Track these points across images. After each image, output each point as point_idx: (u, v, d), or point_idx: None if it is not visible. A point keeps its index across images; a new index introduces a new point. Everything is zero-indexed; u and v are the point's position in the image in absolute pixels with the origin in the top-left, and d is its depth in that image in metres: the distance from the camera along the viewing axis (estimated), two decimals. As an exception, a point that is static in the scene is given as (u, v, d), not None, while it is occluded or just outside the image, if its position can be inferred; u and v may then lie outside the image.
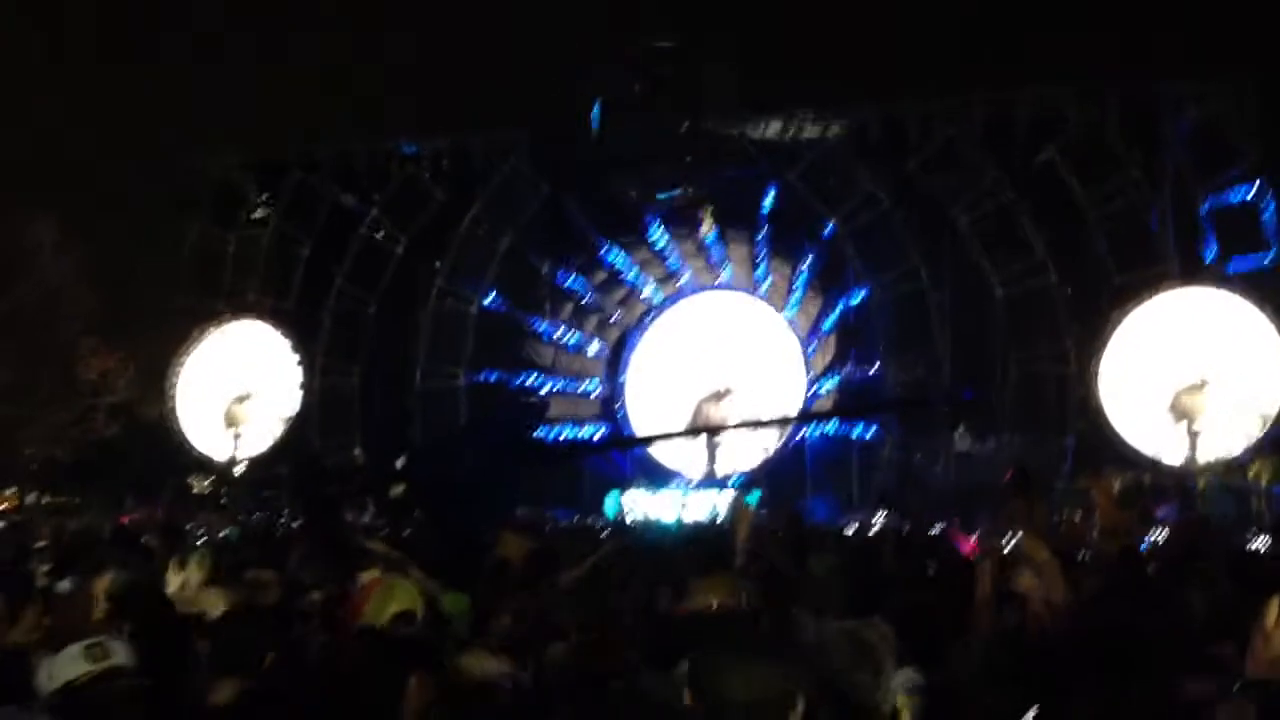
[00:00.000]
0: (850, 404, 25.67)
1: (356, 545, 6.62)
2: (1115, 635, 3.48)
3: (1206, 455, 22.81)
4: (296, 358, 27.97)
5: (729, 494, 25.10)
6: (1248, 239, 23.11)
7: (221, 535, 14.84)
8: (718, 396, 27.22)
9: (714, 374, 27.33)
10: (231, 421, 28.58)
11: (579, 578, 6.16)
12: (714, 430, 26.41)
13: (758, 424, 25.77)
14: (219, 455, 28.43)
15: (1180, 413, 23.18)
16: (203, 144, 29.83)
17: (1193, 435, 22.99)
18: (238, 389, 28.50)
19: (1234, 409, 22.82)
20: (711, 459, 26.84)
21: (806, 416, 25.02)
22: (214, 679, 3.59)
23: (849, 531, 17.32)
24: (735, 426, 26.34)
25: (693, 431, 26.95)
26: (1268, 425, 22.53)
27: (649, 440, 27.62)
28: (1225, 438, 22.77)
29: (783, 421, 24.97)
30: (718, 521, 21.84)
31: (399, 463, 22.36)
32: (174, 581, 5.95)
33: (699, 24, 26.73)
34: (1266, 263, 23.01)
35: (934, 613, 4.44)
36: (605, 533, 16.03)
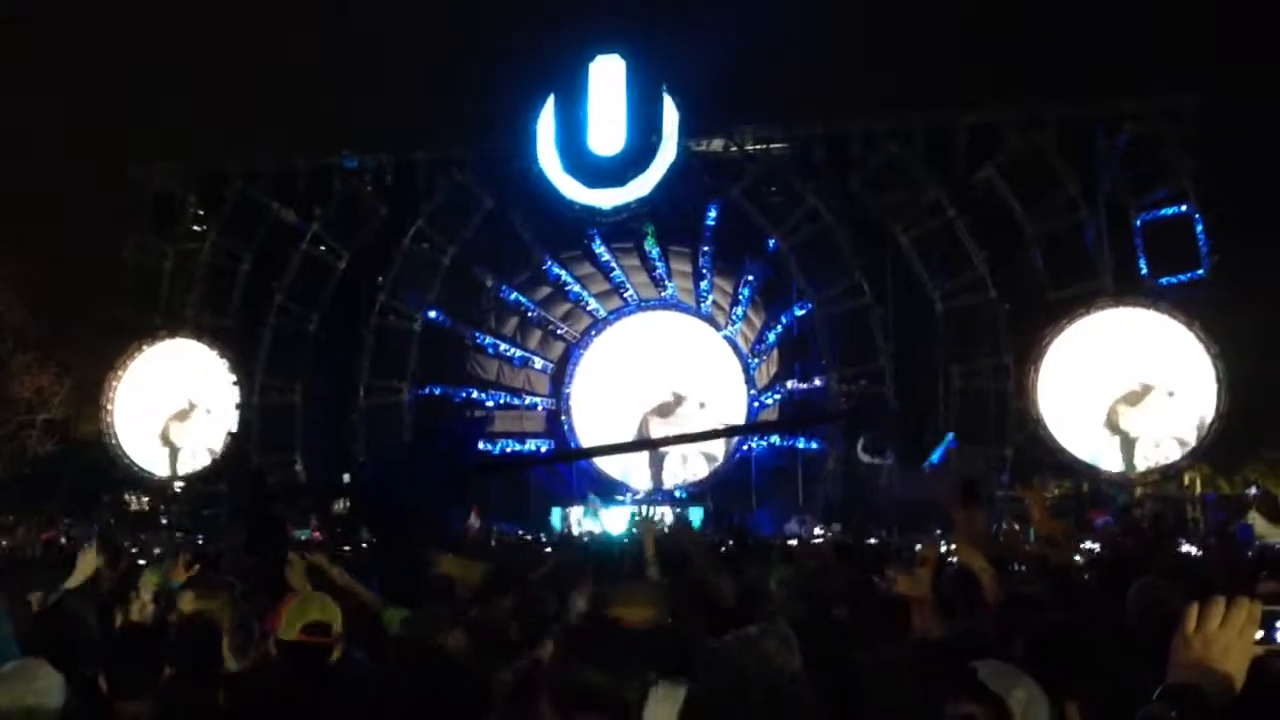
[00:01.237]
0: (776, 420, 25.75)
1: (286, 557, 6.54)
2: (1045, 641, 3.54)
3: (1142, 464, 23.32)
4: (234, 376, 27.54)
5: (672, 508, 25.18)
6: (1180, 256, 23.65)
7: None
8: (663, 410, 27.26)
9: (658, 389, 27.40)
10: (168, 439, 28.14)
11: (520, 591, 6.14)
12: (654, 444, 26.41)
13: (689, 438, 25.79)
14: (158, 472, 27.97)
15: (1116, 422, 23.65)
16: (140, 155, 29.27)
17: (1129, 443, 23.47)
18: (176, 406, 28.04)
19: (1167, 420, 23.34)
20: (657, 472, 26.90)
21: (733, 430, 25.06)
22: (114, 699, 3.51)
23: (792, 542, 17.39)
24: (668, 441, 26.31)
25: (634, 446, 26.96)
26: (1200, 436, 23.02)
27: (593, 453, 27.59)
28: (1159, 448, 23.28)
29: (712, 435, 25.00)
30: (665, 533, 21.85)
31: (344, 478, 22.22)
32: (134, 607, 5.89)
33: (644, 40, 26.77)
34: (1197, 278, 23.56)
35: (873, 620, 4.49)
36: (549, 547, 16.03)
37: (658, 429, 26.84)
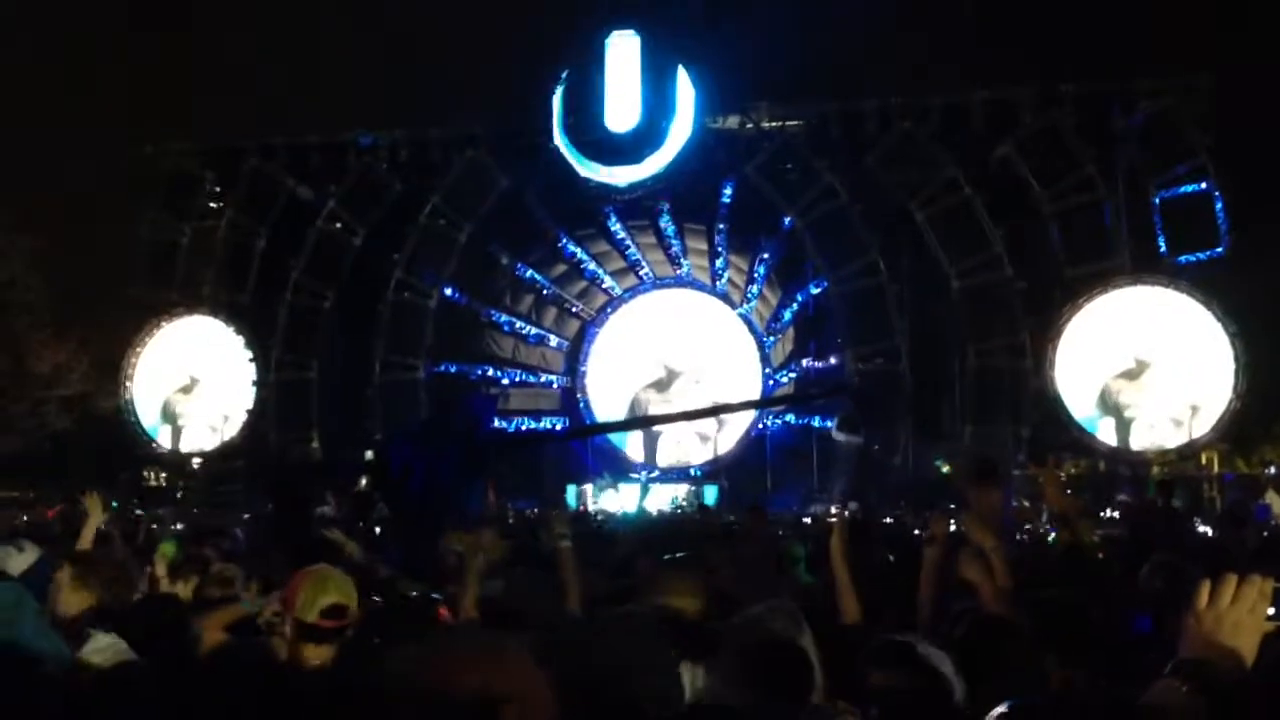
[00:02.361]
0: (762, 398, 25.62)
1: (318, 538, 6.62)
2: (1059, 619, 3.56)
3: (1157, 443, 23.24)
4: (251, 353, 27.65)
5: (688, 487, 25.26)
6: (1199, 233, 23.52)
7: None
8: (658, 386, 27.31)
9: (674, 366, 27.42)
10: (170, 413, 28.23)
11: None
12: (659, 420, 26.37)
13: (692, 414, 25.75)
14: (175, 449, 28.14)
15: (1114, 400, 23.59)
16: (157, 133, 29.34)
17: (1124, 423, 23.43)
18: (181, 380, 28.13)
19: (1164, 399, 23.27)
20: (651, 450, 26.94)
21: (725, 408, 24.95)
22: None
23: (807, 520, 17.45)
24: (672, 418, 26.25)
25: (642, 422, 26.98)
26: (1218, 415, 22.94)
27: (601, 429, 27.61)
28: (1154, 429, 23.23)
29: (709, 412, 24.92)
30: (679, 512, 21.99)
31: (366, 455, 22.29)
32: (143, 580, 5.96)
33: (660, 17, 26.64)
34: (1216, 256, 23.43)
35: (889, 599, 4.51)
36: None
37: (656, 406, 26.88)
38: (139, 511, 18.11)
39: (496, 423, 26.72)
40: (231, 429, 27.66)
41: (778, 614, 3.23)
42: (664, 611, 3.45)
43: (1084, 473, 23.93)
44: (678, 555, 5.60)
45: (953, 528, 4.83)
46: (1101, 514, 17.47)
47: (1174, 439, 23.30)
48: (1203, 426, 23.04)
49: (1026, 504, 18.68)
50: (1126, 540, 8.27)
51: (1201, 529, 11.04)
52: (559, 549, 4.99)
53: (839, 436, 23.70)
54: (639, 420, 27.29)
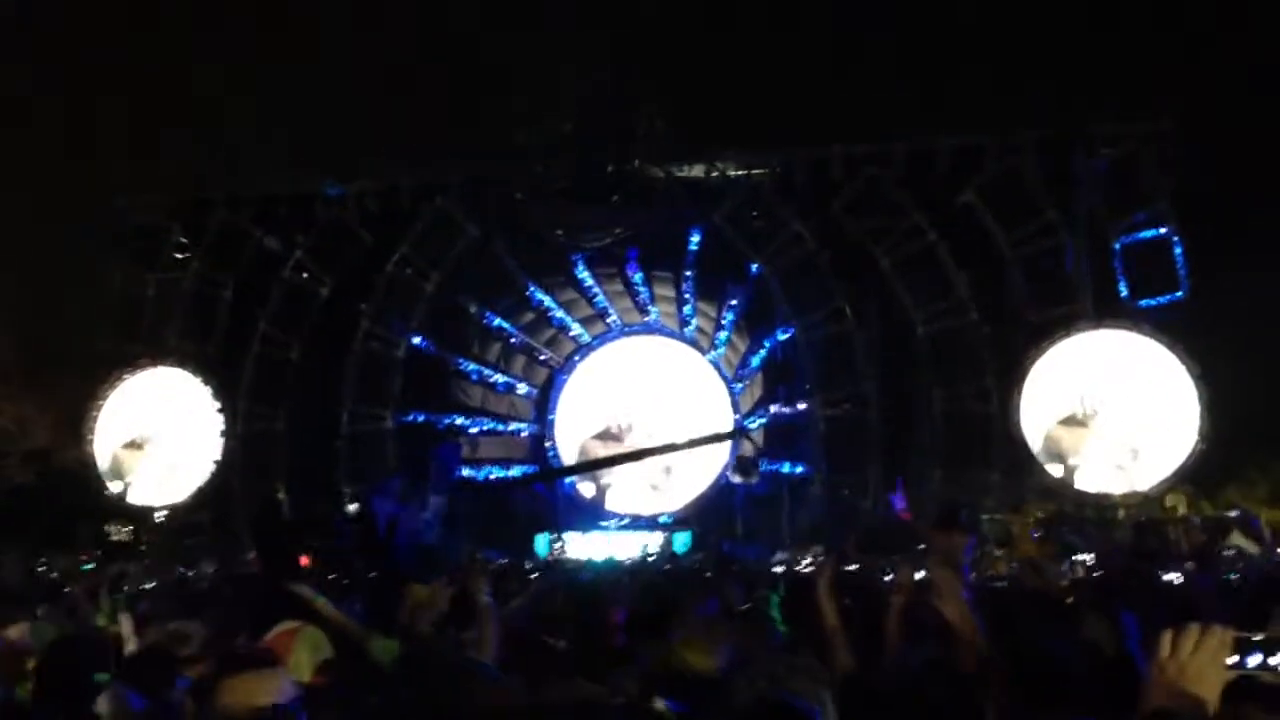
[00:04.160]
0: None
1: (289, 593, 6.54)
2: (1024, 665, 3.57)
3: (1105, 487, 23.38)
4: (218, 404, 27.43)
5: (659, 534, 25.20)
6: (1160, 278, 23.86)
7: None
8: (606, 436, 27.25)
9: (642, 413, 27.40)
10: (129, 467, 27.84)
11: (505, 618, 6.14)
12: (608, 463, 26.23)
13: (621, 459, 25.74)
14: (139, 502, 27.77)
15: (1054, 448, 23.73)
16: (122, 185, 29.24)
17: (1069, 470, 23.56)
18: (143, 433, 27.78)
19: (1150, 442, 23.43)
20: (600, 498, 26.87)
21: (643, 453, 24.92)
22: None
23: (777, 569, 17.43)
24: (617, 460, 26.13)
25: (591, 465, 26.91)
26: (1183, 457, 23.13)
27: (557, 474, 27.47)
28: (1142, 471, 23.35)
29: (636, 456, 24.95)
30: (649, 560, 21.91)
31: (352, 509, 22.10)
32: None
33: (628, 65, 26.94)
34: (1176, 300, 23.76)
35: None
36: (535, 573, 16.02)
37: (599, 454, 26.79)
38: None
39: (465, 471, 26.63)
40: (197, 481, 27.33)
41: (798, 674, 3.20)
42: (676, 667, 3.44)
43: (1051, 518, 24.02)
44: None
45: (918, 575, 4.84)
46: (1071, 558, 17.52)
47: (1136, 482, 23.44)
48: (1167, 469, 23.21)
49: (998, 552, 18.75)
50: (1093, 585, 8.32)
51: (1168, 576, 11.09)
52: (478, 604, 4.98)
53: (735, 479, 23.87)
54: (589, 464, 27.19)
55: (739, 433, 22.47)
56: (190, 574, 19.95)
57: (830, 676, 4.28)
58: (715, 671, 3.59)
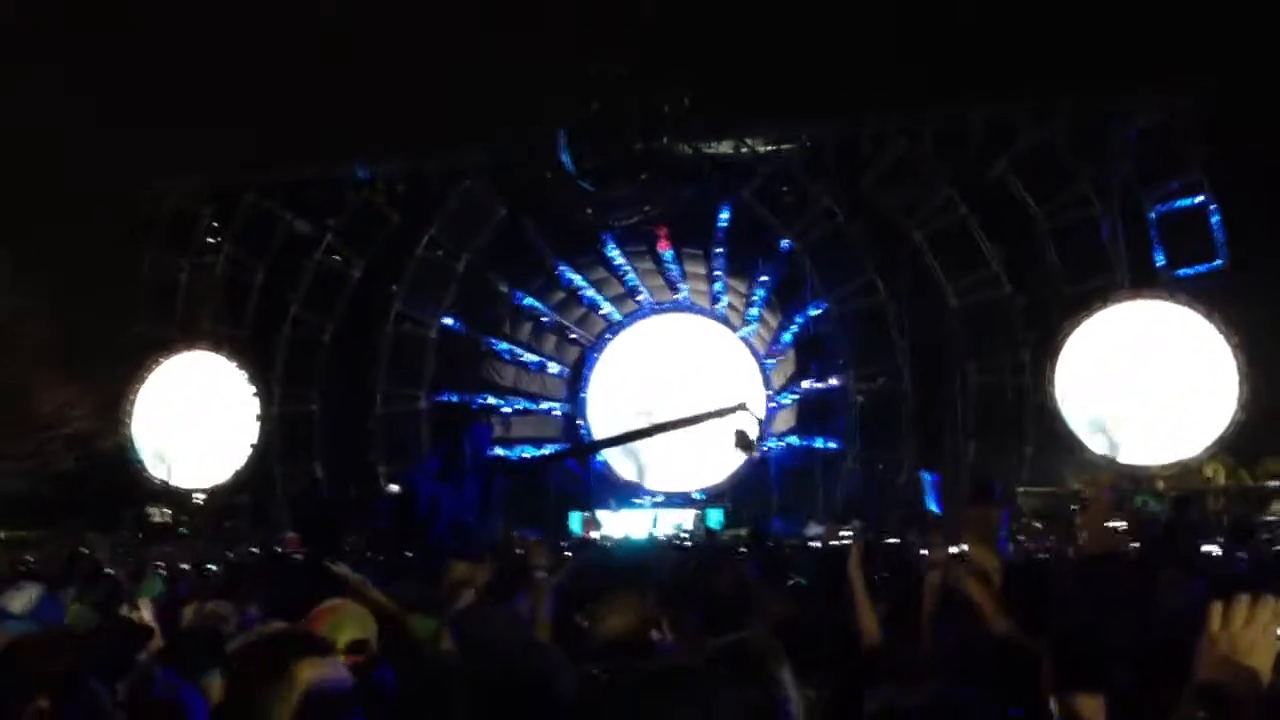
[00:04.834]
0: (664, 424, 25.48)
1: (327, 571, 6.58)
2: (1072, 638, 3.53)
3: (1151, 458, 23.15)
4: (253, 387, 27.66)
5: (691, 511, 25.23)
6: (1196, 247, 23.55)
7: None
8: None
9: (674, 390, 27.36)
10: (169, 449, 28.09)
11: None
12: (616, 441, 26.34)
13: (613, 441, 25.90)
14: (178, 485, 28.07)
15: (1104, 417, 23.48)
16: (155, 172, 29.45)
17: (1106, 442, 23.34)
18: (182, 416, 28.01)
19: (1188, 413, 23.18)
20: (641, 476, 26.99)
21: (632, 435, 25.04)
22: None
23: (814, 544, 17.39)
24: (616, 441, 26.20)
25: (599, 445, 27.05)
26: (1221, 428, 22.88)
27: (590, 449, 27.53)
28: (1181, 441, 23.11)
29: (631, 437, 25.07)
30: (683, 538, 21.94)
31: (393, 489, 22.28)
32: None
33: (654, 41, 26.79)
34: (1214, 269, 23.46)
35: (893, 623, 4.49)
36: (568, 550, 16.05)
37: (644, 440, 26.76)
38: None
39: (498, 450, 26.76)
40: (234, 463, 27.59)
41: (753, 641, 3.16)
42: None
43: (1089, 489, 23.83)
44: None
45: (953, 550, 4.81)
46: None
47: (1174, 453, 23.22)
48: (1205, 440, 22.96)
49: (1038, 524, 18.64)
50: (1136, 558, 8.24)
51: (1206, 547, 10.98)
52: (534, 579, 4.98)
53: (737, 453, 23.87)
54: (599, 442, 27.31)
55: (741, 408, 22.46)
56: (229, 555, 20.14)
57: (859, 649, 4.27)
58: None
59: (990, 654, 3.63)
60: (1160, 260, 23.82)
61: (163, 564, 15.50)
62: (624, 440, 25.85)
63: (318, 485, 26.34)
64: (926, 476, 22.64)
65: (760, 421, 21.52)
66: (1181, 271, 23.70)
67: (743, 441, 22.81)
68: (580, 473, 27.39)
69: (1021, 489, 21.80)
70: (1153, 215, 23.80)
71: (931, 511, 19.46)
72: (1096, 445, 23.60)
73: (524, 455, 27.88)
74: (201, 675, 4.24)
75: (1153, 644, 4.05)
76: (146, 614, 6.12)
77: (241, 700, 2.74)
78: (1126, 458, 23.48)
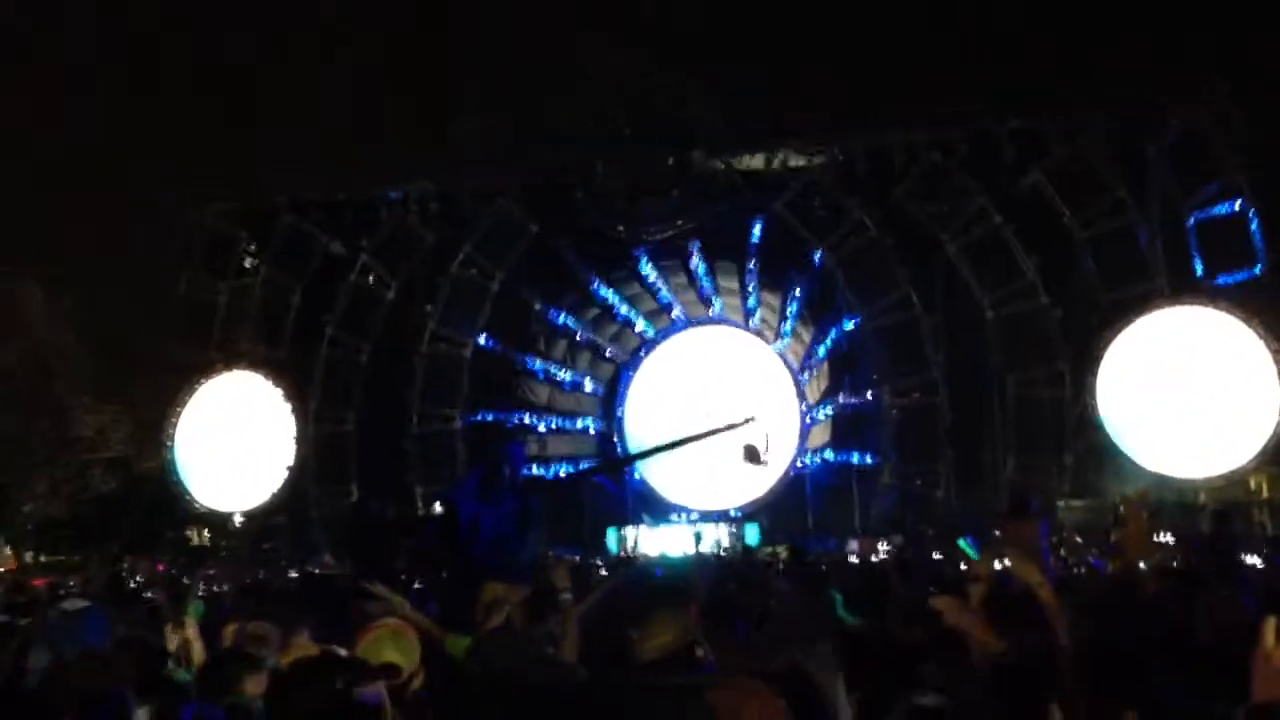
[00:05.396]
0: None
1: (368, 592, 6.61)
2: (1109, 652, 3.48)
3: (1200, 469, 22.78)
4: (290, 406, 27.79)
5: (728, 527, 25.14)
6: (1235, 253, 23.24)
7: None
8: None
9: (709, 406, 27.27)
10: (210, 471, 28.23)
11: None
12: (630, 460, 26.39)
13: (622, 462, 25.96)
14: (218, 507, 28.23)
15: (1151, 427, 23.09)
16: (192, 194, 29.74)
17: (1165, 449, 22.98)
18: (221, 438, 28.13)
19: (1229, 422, 22.81)
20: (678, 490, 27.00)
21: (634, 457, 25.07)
22: None
23: (852, 559, 17.29)
24: (626, 461, 26.24)
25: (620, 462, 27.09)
26: (1265, 438, 22.51)
27: (627, 461, 27.50)
28: (1224, 452, 22.73)
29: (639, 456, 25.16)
30: (721, 555, 21.86)
31: (436, 508, 22.34)
32: (173, 641, 5.96)
33: (685, 57, 26.83)
34: (1254, 276, 23.13)
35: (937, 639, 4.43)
36: (606, 570, 16.03)
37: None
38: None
39: (534, 469, 26.79)
40: (272, 485, 27.70)
41: (813, 657, 3.17)
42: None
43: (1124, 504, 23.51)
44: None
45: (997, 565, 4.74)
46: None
47: (1218, 464, 22.85)
48: (1249, 450, 22.58)
49: (1078, 539, 18.43)
50: (1178, 572, 8.11)
51: (1250, 560, 10.78)
52: (561, 602, 4.99)
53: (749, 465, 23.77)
54: (617, 461, 27.39)
55: (749, 421, 22.46)
56: (268, 576, 20.27)
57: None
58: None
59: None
60: (1199, 267, 23.50)
61: (202, 585, 15.60)
62: (634, 460, 25.89)
63: (369, 506, 26.37)
64: (966, 543, 22.40)
65: (768, 435, 21.39)
66: (1221, 278, 23.37)
67: (750, 455, 22.77)
68: (617, 491, 27.36)
69: (1062, 502, 21.54)
70: (1191, 222, 23.50)
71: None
72: (1138, 457, 23.27)
73: (561, 473, 27.85)
74: (232, 696, 4.26)
75: (1199, 659, 3.98)
76: (192, 634, 6.16)
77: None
78: (1169, 469, 23.14)
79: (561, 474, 27.78)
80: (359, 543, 21.39)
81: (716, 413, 26.69)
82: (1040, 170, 24.10)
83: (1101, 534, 17.91)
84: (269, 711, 3.36)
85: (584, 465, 28.52)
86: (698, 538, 24.62)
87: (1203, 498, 22.52)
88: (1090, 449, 23.67)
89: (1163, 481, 23.11)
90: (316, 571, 22.74)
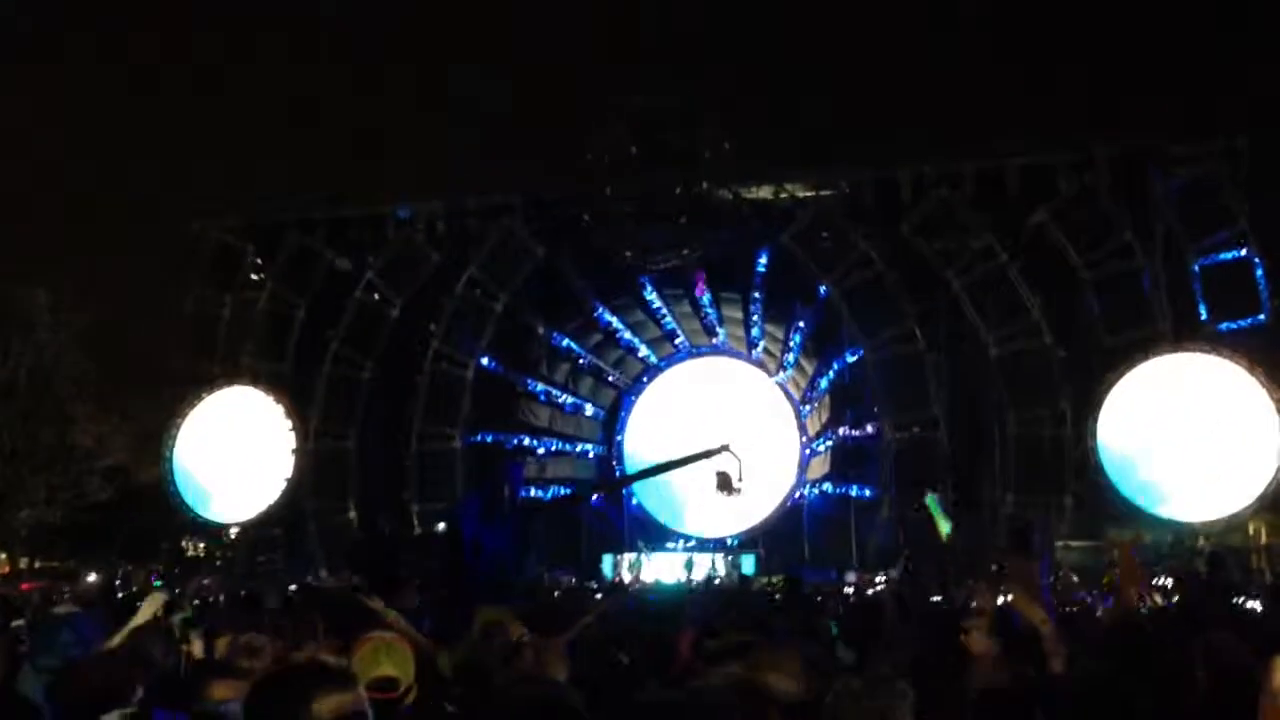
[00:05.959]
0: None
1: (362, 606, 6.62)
2: (1108, 689, 3.47)
3: (1196, 514, 22.73)
4: (290, 422, 27.74)
5: (724, 556, 25.08)
6: (1240, 301, 23.27)
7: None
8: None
9: (709, 435, 27.27)
10: (207, 483, 28.18)
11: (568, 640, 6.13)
12: (617, 484, 26.48)
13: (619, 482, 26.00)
14: (214, 519, 28.16)
15: (1149, 471, 23.07)
16: (198, 208, 29.87)
17: (1162, 493, 22.95)
18: (220, 450, 28.08)
19: (1230, 468, 22.78)
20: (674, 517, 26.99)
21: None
22: None
23: (848, 590, 17.24)
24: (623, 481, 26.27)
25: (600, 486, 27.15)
26: (1264, 484, 22.47)
27: (623, 482, 27.50)
28: (1223, 496, 22.69)
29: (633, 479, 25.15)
30: (715, 583, 21.79)
31: (439, 527, 22.34)
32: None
33: (695, 87, 27.00)
34: (1258, 323, 23.15)
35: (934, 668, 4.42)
36: (600, 594, 15.99)
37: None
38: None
39: (534, 491, 26.79)
40: (269, 498, 27.63)
41: (880, 688, 3.17)
42: (759, 688, 3.40)
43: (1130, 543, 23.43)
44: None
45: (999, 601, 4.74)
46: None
47: (1217, 509, 22.81)
48: (1249, 495, 22.54)
49: (1075, 578, 18.36)
50: (1176, 614, 8.09)
51: (1249, 604, 10.74)
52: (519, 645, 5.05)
53: (722, 495, 23.84)
54: (599, 484, 27.49)
55: (724, 449, 22.53)
56: (261, 588, 20.20)
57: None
58: (798, 695, 3.54)
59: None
60: (1203, 313, 23.51)
61: (196, 597, 15.57)
62: (606, 488, 25.98)
63: (378, 522, 26.27)
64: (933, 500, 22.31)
65: (740, 464, 21.46)
66: (1224, 325, 23.39)
67: (724, 483, 22.84)
68: (614, 516, 27.35)
69: (1060, 543, 21.45)
70: (1196, 268, 23.54)
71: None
72: (1138, 499, 23.21)
73: (557, 495, 27.83)
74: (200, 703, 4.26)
75: (1197, 700, 3.97)
76: (197, 647, 6.16)
77: None
78: (1168, 513, 23.08)
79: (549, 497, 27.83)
80: (367, 558, 21.35)
81: (715, 442, 26.81)
82: (1047, 211, 24.13)
83: (1097, 575, 17.83)
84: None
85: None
86: (689, 566, 24.57)
87: (1201, 542, 22.46)
88: (1090, 490, 23.60)
89: (1161, 525, 23.08)
90: (315, 584, 22.73)
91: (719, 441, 23.37)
